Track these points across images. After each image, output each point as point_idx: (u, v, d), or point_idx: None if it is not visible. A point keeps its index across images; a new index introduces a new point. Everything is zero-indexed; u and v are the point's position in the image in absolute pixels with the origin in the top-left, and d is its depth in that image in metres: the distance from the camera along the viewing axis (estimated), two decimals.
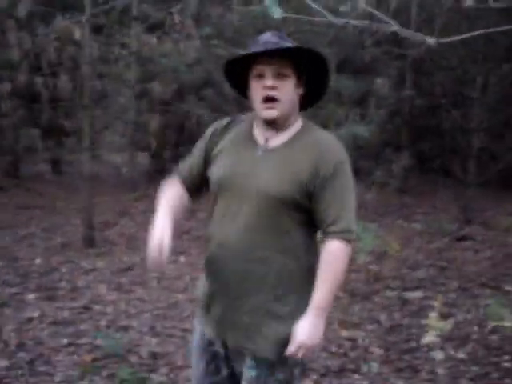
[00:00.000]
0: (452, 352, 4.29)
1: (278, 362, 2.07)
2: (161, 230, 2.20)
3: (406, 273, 6.55)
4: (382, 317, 5.13)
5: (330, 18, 2.03)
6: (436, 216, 10.47)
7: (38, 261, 6.85)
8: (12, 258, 7.02)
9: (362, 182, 8.14)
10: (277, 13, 1.65)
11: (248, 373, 2.11)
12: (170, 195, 2.33)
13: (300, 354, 2.00)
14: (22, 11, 6.78)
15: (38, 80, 7.00)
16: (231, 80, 2.21)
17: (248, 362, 2.10)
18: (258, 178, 2.06)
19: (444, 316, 4.91)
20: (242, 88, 2.18)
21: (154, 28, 11.81)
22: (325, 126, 8.15)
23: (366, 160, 8.69)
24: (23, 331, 4.59)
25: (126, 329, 4.68)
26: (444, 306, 5.05)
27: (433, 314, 3.68)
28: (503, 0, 2.08)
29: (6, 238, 8.22)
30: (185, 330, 4.66)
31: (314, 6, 2.01)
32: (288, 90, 2.03)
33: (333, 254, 2.02)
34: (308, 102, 2.21)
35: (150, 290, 5.80)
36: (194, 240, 8.15)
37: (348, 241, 2.04)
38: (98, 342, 4.33)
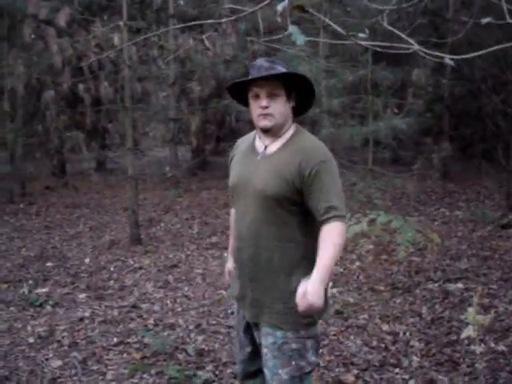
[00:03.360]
0: (492, 345, 4.33)
1: (291, 331, 2.48)
2: (229, 265, 2.93)
3: (448, 264, 6.55)
4: (424, 310, 5.17)
5: (353, 39, 2.12)
6: (479, 203, 10.39)
7: (87, 260, 7.11)
8: (62, 257, 7.30)
9: (402, 173, 8.16)
10: (300, 40, 1.75)
11: (265, 340, 2.53)
12: (232, 221, 2.90)
13: (303, 306, 2.25)
14: (61, 19, 6.99)
15: (80, 86, 7.22)
16: (235, 96, 2.67)
17: (264, 331, 2.54)
18: (257, 180, 2.51)
19: (485, 308, 4.95)
20: (245, 100, 2.60)
21: (190, 26, 11.98)
22: (363, 118, 8.19)
23: (405, 150, 8.67)
24: (75, 331, 4.80)
25: (172, 326, 4.86)
26: (485, 298, 5.09)
27: (471, 309, 3.71)
28: None
29: (55, 237, 8.53)
30: (229, 327, 4.81)
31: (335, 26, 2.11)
32: (279, 106, 2.49)
33: (329, 230, 2.36)
34: (300, 111, 2.67)
35: (195, 287, 5.98)
36: None
37: (341, 220, 2.40)
38: (147, 340, 4.51)
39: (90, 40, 6.44)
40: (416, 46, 1.92)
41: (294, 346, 2.48)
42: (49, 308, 5.36)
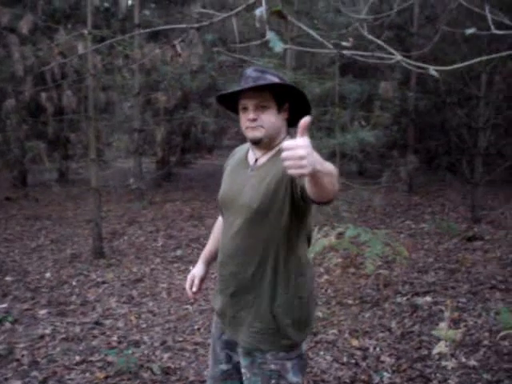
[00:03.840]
0: (463, 359, 4.28)
1: (270, 352, 2.35)
2: (194, 271, 2.80)
3: (416, 277, 6.53)
4: (393, 324, 5.12)
5: (330, 47, 2.04)
6: (444, 216, 10.46)
7: (48, 274, 6.89)
8: (22, 271, 7.06)
9: (368, 185, 8.14)
10: (278, 47, 1.66)
11: (244, 360, 2.42)
12: (215, 227, 2.86)
13: (290, 156, 1.59)
14: (24, 27, 6.80)
15: (43, 95, 7.02)
16: (226, 104, 2.55)
17: (242, 350, 2.41)
18: (244, 194, 2.38)
19: (454, 322, 4.92)
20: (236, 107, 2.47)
21: (156, 35, 11.87)
22: (330, 131, 8.17)
23: (371, 163, 8.66)
24: (35, 349, 4.61)
25: (137, 344, 4.70)
26: (454, 311, 5.05)
27: (443, 324, 3.67)
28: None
29: (15, 250, 8.26)
30: (196, 344, 4.68)
31: (318, 37, 2.03)
32: (269, 118, 2.34)
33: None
34: (296, 121, 2.40)
35: (160, 303, 5.82)
36: (203, 248, 8.14)
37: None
38: (110, 358, 4.35)
39: (53, 48, 6.25)
40: (398, 57, 1.84)
41: (272, 366, 2.36)
42: (8, 325, 5.15)
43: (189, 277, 2.77)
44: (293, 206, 2.27)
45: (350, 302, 5.70)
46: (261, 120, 2.32)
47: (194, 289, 2.72)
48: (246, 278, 2.38)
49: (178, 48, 2.78)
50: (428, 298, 5.78)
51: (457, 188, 13.00)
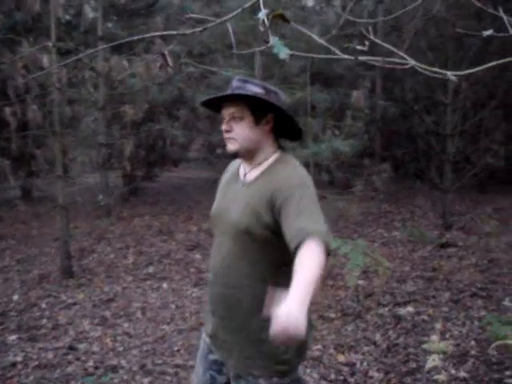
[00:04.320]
0: (453, 371, 4.19)
1: (263, 377, 2.21)
2: None
3: (395, 287, 6.45)
4: (377, 337, 5.01)
5: (338, 52, 1.91)
6: (415, 223, 10.45)
7: (15, 297, 6.60)
8: None
9: (340, 195, 8.06)
10: (283, 53, 1.53)
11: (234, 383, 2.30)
12: None
13: (282, 335, 1.63)
14: None
15: (7, 109, 6.75)
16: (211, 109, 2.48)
17: (234, 374, 2.30)
18: (232, 211, 2.28)
19: (440, 332, 4.83)
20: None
21: (120, 48, 11.66)
22: (301, 141, 8.07)
23: (342, 172, 8.60)
24: (7, 378, 4.36)
25: (115, 369, 4.48)
26: (438, 321, 4.97)
27: (434, 337, 3.56)
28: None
29: None
30: (177, 366, 4.49)
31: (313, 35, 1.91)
32: (243, 130, 2.26)
33: (311, 251, 1.85)
34: (288, 134, 2.42)
35: (135, 323, 5.60)
36: (175, 263, 7.96)
37: (316, 240, 1.88)
38: None
39: (16, 61, 6.02)
40: (412, 62, 1.72)
41: None
42: None
43: None
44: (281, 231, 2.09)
45: (332, 315, 5.58)
46: (234, 132, 2.27)
47: None
48: (234, 300, 2.26)
49: (168, 58, 2.64)
50: (410, 309, 5.70)
51: (425, 195, 13.05)
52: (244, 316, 2.25)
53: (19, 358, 4.71)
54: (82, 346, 4.97)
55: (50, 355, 4.77)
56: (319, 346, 4.83)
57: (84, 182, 12.57)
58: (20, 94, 6.98)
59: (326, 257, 1.88)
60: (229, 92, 2.26)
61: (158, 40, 7.39)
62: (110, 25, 13.81)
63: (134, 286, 6.97)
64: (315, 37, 1.85)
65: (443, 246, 8.49)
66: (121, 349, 4.91)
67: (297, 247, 1.91)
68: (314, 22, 10.46)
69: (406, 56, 1.76)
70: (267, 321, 1.98)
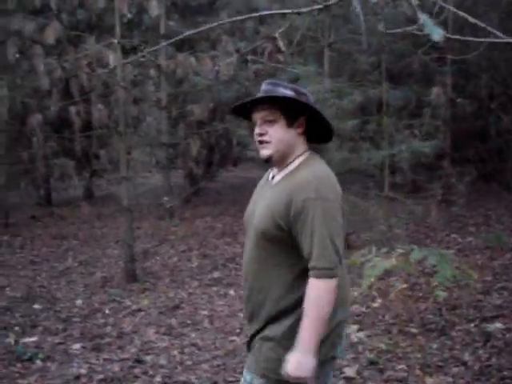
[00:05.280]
0: None
1: (279, 380, 2.20)
2: None
3: (479, 299, 5.95)
4: (467, 356, 4.56)
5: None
6: (490, 228, 9.86)
7: (79, 301, 6.43)
8: (51, 298, 6.63)
9: (417, 199, 7.61)
10: (436, 34, 1.17)
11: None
12: None
13: (293, 379, 2.12)
14: (50, 36, 6.37)
15: (72, 109, 6.59)
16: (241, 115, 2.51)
17: (254, 378, 2.28)
18: (256, 214, 2.33)
19: None
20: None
21: (182, 46, 11.47)
22: (373, 141, 7.64)
23: (418, 174, 8.14)
24: None
25: None
26: None
27: None
28: None
29: (42, 274, 7.85)
30: None
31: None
32: (277, 132, 2.26)
33: (312, 291, 2.12)
34: (322, 136, 2.44)
35: (203, 333, 5.30)
36: (240, 268, 7.66)
37: (320, 276, 2.12)
38: None
39: (81, 59, 5.82)
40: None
41: None
42: (39, 363, 4.67)
43: None
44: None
45: (414, 330, 5.15)
46: (268, 135, 2.26)
47: None
48: (256, 304, 2.31)
49: (280, 42, 2.41)
50: (498, 324, 5.21)
51: (498, 197, 12.36)
52: (265, 317, 2.27)
53: (83, 370, 4.47)
54: (148, 358, 4.70)
55: (116, 368, 4.52)
56: (403, 366, 4.43)
57: (145, 182, 12.47)
58: (85, 93, 6.80)
59: (331, 282, 2.11)
60: (261, 95, 2.26)
61: (225, 37, 7.12)
62: (171, 23, 13.64)
63: (199, 291, 6.70)
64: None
65: None
66: (189, 362, 4.61)
67: (309, 271, 2.14)
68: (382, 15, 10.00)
69: (498, 33, 1.37)
70: (285, 323, 2.22)
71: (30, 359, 4.72)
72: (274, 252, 2.23)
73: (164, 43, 7.80)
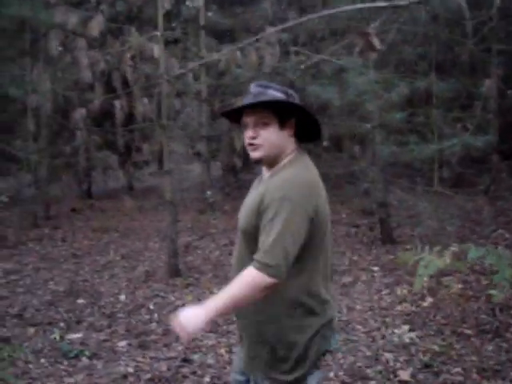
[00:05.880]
0: None
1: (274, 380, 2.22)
2: None
3: None
4: None
5: None
6: None
7: (122, 296, 6.39)
8: (95, 292, 6.60)
9: (467, 193, 7.38)
10: None
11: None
12: None
13: (177, 329, 2.13)
14: (94, 28, 6.30)
15: (116, 102, 6.51)
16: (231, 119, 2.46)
17: (251, 379, 2.32)
18: (242, 214, 2.34)
19: None
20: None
21: (221, 38, 11.36)
22: (420, 134, 7.41)
23: (467, 168, 7.88)
24: None
25: None
26: None
27: None
28: None
29: (85, 267, 7.84)
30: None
31: None
32: (269, 136, 2.24)
33: (245, 275, 2.10)
34: (311, 136, 2.44)
35: None
36: None
37: (260, 269, 2.07)
38: None
39: (125, 51, 5.73)
40: None
41: None
42: (85, 360, 4.62)
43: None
44: None
45: (468, 331, 4.97)
46: (261, 138, 2.24)
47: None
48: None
49: (374, 38, 2.25)
50: None
51: None
52: (251, 319, 2.27)
53: (130, 369, 4.41)
54: (196, 358, 4.61)
55: (163, 367, 4.44)
56: (459, 369, 4.26)
57: (184, 175, 12.42)
58: (128, 86, 6.73)
59: (266, 279, 2.05)
60: (251, 99, 2.23)
61: (269, 28, 6.97)
62: (210, 14, 13.55)
63: None
64: None
65: None
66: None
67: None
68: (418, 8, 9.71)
69: None
70: (267, 324, 2.22)
71: (76, 356, 4.68)
72: (254, 251, 2.17)
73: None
